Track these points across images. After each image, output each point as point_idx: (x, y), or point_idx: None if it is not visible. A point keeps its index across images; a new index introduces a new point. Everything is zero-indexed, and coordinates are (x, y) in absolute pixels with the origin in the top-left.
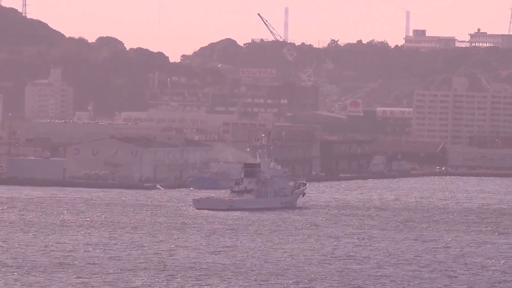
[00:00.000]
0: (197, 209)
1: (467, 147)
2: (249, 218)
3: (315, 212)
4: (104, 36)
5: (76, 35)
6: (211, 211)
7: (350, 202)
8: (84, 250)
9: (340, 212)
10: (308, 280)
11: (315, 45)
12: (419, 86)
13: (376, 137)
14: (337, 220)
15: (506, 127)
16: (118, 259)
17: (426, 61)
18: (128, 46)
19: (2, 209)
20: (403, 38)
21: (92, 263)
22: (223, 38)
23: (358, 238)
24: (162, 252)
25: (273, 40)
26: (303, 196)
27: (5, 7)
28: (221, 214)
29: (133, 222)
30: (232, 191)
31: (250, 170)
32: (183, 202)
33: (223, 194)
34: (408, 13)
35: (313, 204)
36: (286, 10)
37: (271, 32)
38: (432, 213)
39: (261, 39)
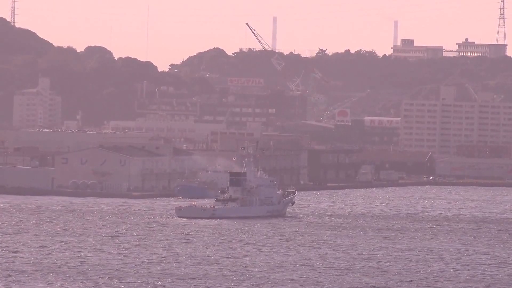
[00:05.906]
0: (179, 217)
1: (454, 156)
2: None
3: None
4: (93, 45)
5: (64, 44)
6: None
7: (334, 211)
8: None
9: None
10: None
11: (303, 55)
12: (407, 95)
13: (364, 147)
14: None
15: (493, 136)
16: None
17: (414, 71)
18: (116, 56)
19: None
20: (391, 48)
21: None
22: (211, 47)
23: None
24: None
25: (261, 50)
26: (292, 205)
27: None
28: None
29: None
30: (217, 200)
31: (236, 178)
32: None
33: (208, 203)
34: (396, 22)
35: (302, 213)
36: (275, 19)
37: (259, 41)
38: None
39: (249, 49)
